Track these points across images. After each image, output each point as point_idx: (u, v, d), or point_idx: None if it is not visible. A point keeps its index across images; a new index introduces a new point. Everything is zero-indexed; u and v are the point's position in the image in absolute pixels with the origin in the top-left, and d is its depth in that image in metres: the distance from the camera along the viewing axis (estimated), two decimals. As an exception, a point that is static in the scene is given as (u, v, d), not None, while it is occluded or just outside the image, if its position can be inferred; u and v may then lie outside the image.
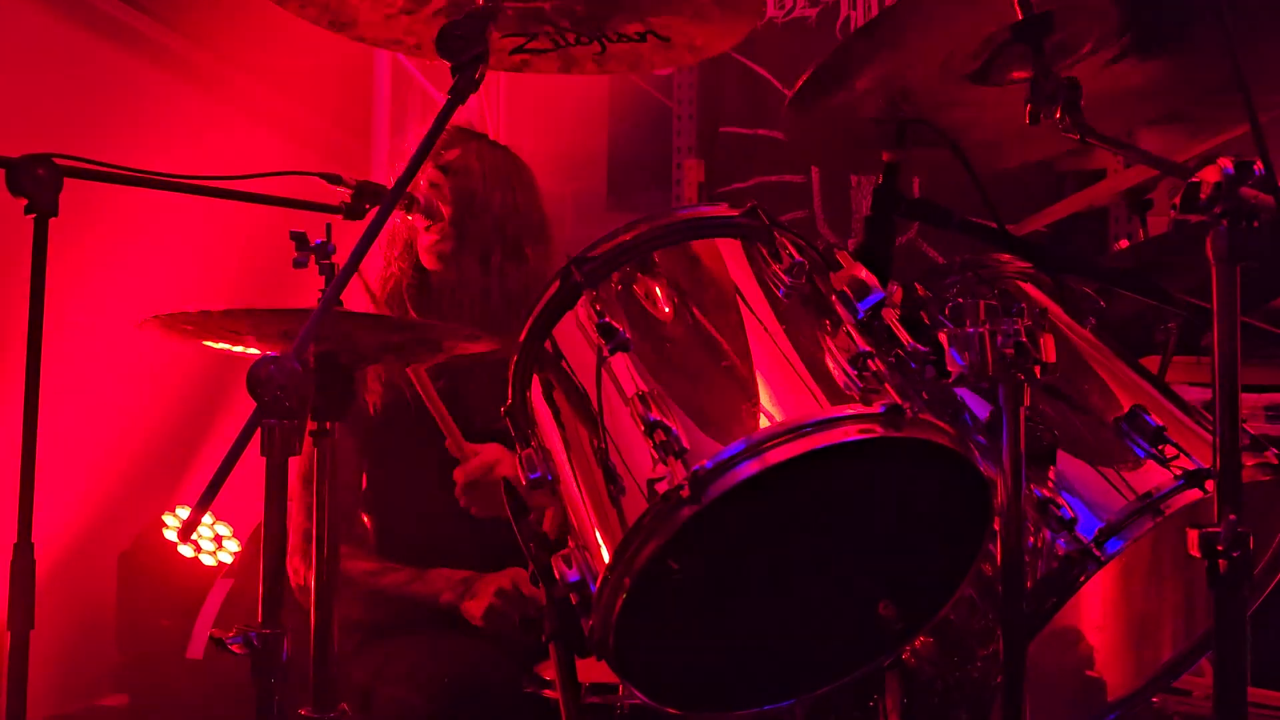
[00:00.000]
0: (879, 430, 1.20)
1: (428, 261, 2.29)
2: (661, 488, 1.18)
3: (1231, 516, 1.19)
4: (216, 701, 3.03)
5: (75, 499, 3.22)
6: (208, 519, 3.36)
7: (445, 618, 2.14)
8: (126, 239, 3.14)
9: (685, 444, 1.19)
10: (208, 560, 3.29)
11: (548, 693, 1.73)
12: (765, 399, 1.25)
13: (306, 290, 1.82)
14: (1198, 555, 1.21)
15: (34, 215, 1.63)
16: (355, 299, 2.16)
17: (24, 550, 1.57)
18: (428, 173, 2.26)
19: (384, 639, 2.17)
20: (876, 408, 1.20)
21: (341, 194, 1.88)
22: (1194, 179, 1.21)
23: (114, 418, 3.32)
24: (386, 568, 2.23)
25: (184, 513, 3.34)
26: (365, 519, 2.34)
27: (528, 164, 2.39)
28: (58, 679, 3.25)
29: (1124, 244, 1.98)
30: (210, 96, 3.66)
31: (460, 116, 2.96)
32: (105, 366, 3.21)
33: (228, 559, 3.29)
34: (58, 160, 1.64)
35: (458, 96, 1.35)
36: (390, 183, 1.96)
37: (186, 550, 3.27)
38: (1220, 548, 1.19)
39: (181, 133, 3.17)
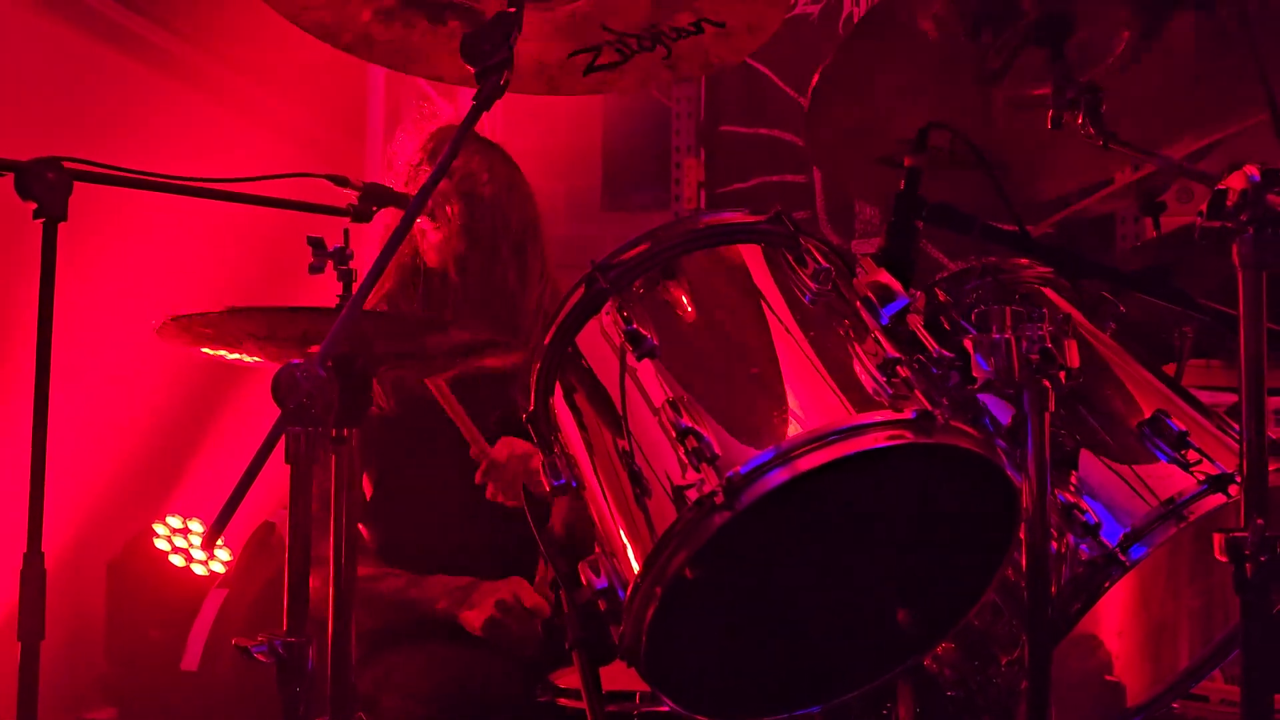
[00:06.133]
0: (909, 436, 1.20)
1: (433, 259, 2.28)
2: (692, 495, 1.18)
3: (1259, 521, 1.20)
4: (208, 715, 2.99)
5: (63, 506, 3.16)
6: (198, 527, 3.33)
7: (449, 627, 2.13)
8: (126, 243, 3.10)
9: (717, 450, 1.19)
10: (199, 570, 3.25)
11: (563, 701, 1.72)
12: (795, 405, 1.24)
13: (311, 294, 1.80)
14: (1224, 560, 1.22)
15: (43, 220, 1.61)
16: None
17: (34, 559, 1.54)
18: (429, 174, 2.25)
19: (388, 648, 2.15)
20: (907, 414, 1.21)
21: (348, 196, 1.87)
22: (1220, 185, 1.22)
23: (103, 423, 3.28)
24: (385, 573, 2.21)
25: (175, 521, 3.30)
26: (362, 527, 2.31)
27: (519, 161, 2.39)
28: (44, 691, 3.17)
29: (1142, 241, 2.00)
30: (204, 96, 3.63)
31: (450, 114, 2.96)
32: (93, 372, 3.16)
33: (220, 569, 3.25)
34: (67, 164, 1.61)
35: (482, 103, 1.34)
36: (385, 183, 1.97)
37: (177, 560, 3.23)
38: (1247, 552, 1.20)
39: (174, 133, 3.13)
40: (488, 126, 4.02)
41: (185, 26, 3.50)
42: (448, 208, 2.25)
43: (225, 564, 3.25)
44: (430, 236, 2.28)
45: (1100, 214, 3.11)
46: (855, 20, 3.56)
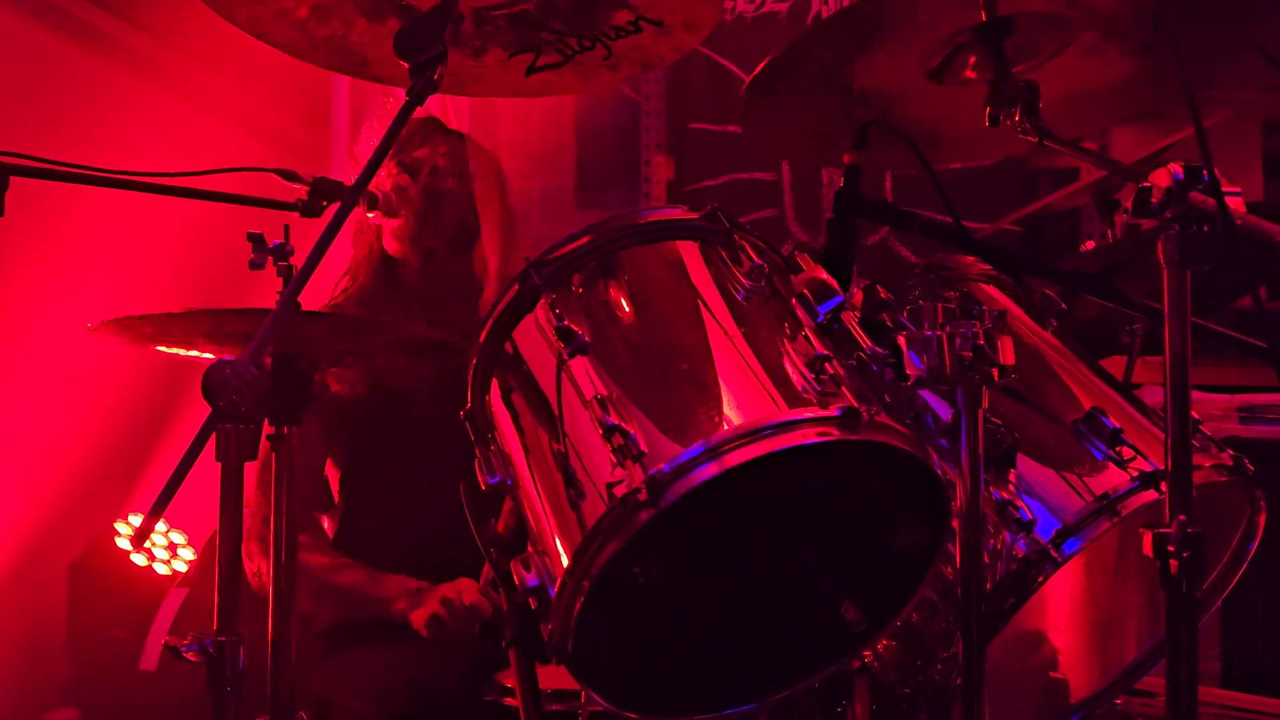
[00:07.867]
0: (836, 433, 1.20)
1: (395, 253, 2.26)
2: (619, 491, 1.18)
3: (1182, 517, 1.20)
4: (170, 715, 2.97)
5: (23, 506, 3.15)
6: (162, 526, 3.31)
7: (405, 629, 2.11)
8: (75, 238, 3.08)
9: (644, 447, 1.19)
10: (161, 569, 3.24)
11: (509, 700, 1.71)
12: (724, 402, 1.24)
13: (262, 291, 1.79)
14: (1152, 555, 1.23)
15: (-19, 216, 1.59)
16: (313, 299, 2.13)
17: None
18: (392, 173, 2.24)
19: (344, 648, 2.14)
20: (833, 410, 1.20)
21: (298, 191, 1.86)
22: (1145, 184, 1.23)
23: (63, 422, 3.26)
24: (342, 564, 2.18)
25: (137, 520, 3.28)
26: (323, 518, 2.30)
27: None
28: (4, 693, 3.18)
29: (1090, 245, 2.00)
30: (166, 90, 3.60)
31: (424, 108, 2.95)
32: (53, 369, 3.14)
33: (182, 568, 3.24)
34: (4, 158, 1.60)
35: (415, 98, 1.34)
36: (350, 179, 1.96)
37: (140, 559, 3.21)
38: (1171, 548, 1.21)
39: (136, 128, 3.11)
40: (454, 122, 4.02)
41: (149, 21, 3.48)
42: (408, 206, 2.23)
43: (188, 563, 3.23)
44: (389, 231, 2.26)
45: (1065, 209, 3.13)
46: (824, 17, 3.58)
